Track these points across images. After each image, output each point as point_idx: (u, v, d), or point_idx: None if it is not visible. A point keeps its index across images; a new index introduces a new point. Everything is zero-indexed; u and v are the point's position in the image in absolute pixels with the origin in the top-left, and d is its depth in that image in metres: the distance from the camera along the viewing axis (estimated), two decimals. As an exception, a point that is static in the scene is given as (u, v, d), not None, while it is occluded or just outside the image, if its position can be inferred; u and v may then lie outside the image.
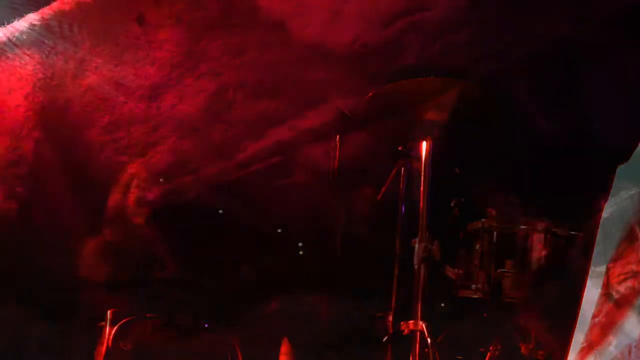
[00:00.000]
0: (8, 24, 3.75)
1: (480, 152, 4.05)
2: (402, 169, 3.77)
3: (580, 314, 2.10)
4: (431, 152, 3.45)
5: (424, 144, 3.47)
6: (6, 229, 4.38)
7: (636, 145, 2.09)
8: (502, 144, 4.07)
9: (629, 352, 1.97)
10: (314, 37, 3.83)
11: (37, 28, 3.80)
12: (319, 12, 3.74)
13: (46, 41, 3.88)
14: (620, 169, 2.12)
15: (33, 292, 4.46)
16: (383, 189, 3.91)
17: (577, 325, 2.11)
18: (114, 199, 4.65)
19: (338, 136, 4.00)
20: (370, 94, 3.58)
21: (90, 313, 4.08)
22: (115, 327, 3.62)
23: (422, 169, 3.45)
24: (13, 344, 4.39)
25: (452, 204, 3.82)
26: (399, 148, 3.74)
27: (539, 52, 3.85)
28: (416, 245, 3.36)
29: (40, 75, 4.08)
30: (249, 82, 4.13)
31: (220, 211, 4.82)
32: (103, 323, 3.67)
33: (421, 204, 3.41)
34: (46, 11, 3.75)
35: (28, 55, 3.97)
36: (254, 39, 3.92)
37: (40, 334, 4.52)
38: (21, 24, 3.77)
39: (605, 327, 2.06)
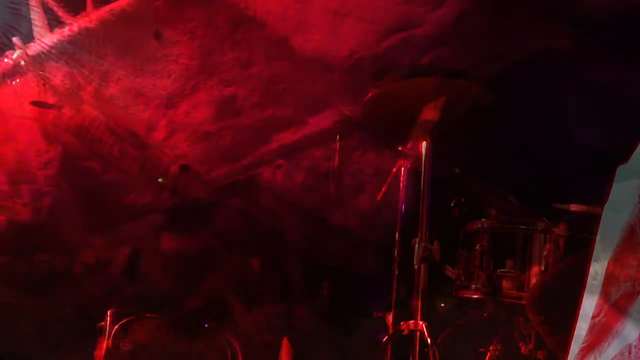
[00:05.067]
0: (39, 39, 3.96)
1: (479, 152, 4.00)
2: (402, 169, 3.69)
3: (580, 314, 1.99)
4: (431, 152, 3.35)
5: (424, 144, 3.36)
6: (37, 225, 4.65)
7: (636, 145, 1.98)
8: (502, 143, 4.02)
9: (629, 352, 1.85)
10: (315, 52, 3.96)
11: (64, 43, 4.02)
12: (319, 29, 3.87)
13: (73, 55, 4.08)
14: (620, 169, 2.00)
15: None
16: (383, 189, 3.85)
17: (577, 325, 1.99)
18: (130, 198, 4.81)
19: (338, 136, 3.98)
20: (370, 94, 3.51)
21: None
22: (115, 327, 3.57)
23: (422, 169, 3.35)
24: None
25: (452, 204, 3.75)
26: (399, 148, 3.66)
27: (531, 57, 3.85)
28: (416, 245, 3.24)
29: (68, 86, 4.28)
30: (256, 91, 4.28)
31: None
32: (103, 323, 3.62)
33: (421, 204, 3.30)
34: (73, 28, 3.98)
35: (56, 68, 4.18)
36: (260, 53, 4.07)
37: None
38: (50, 40, 3.99)
39: (605, 327, 1.95)
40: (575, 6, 3.59)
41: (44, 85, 4.24)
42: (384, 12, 3.77)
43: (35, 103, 4.33)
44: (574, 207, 3.45)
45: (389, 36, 3.82)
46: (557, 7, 3.61)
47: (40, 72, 4.19)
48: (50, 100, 4.31)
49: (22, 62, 4.11)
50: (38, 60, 4.11)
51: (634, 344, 1.85)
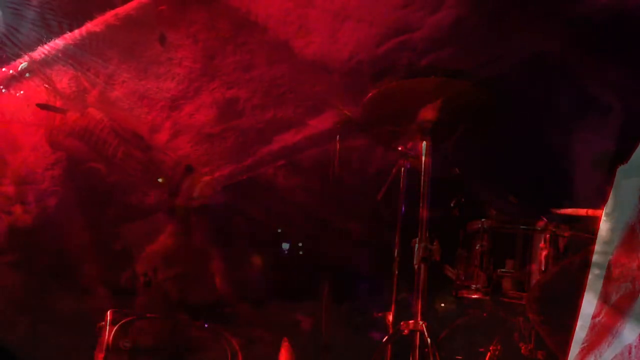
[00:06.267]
0: (46, 42, 3.96)
1: (479, 152, 3.97)
2: (402, 169, 3.65)
3: (580, 314, 1.99)
4: (431, 152, 3.33)
5: (424, 144, 3.35)
6: (42, 224, 4.68)
7: (636, 146, 1.95)
8: (502, 144, 3.99)
9: (629, 353, 1.85)
10: (315, 55, 3.97)
11: (71, 47, 4.04)
12: (319, 33, 3.88)
13: (79, 58, 4.10)
14: (620, 169, 1.99)
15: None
16: (383, 189, 3.82)
17: (577, 325, 1.99)
18: (134, 199, 4.85)
19: (339, 137, 3.97)
20: (371, 94, 3.49)
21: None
22: (115, 327, 3.54)
23: (422, 169, 3.33)
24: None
25: (452, 204, 3.72)
26: (399, 148, 3.63)
27: (531, 59, 3.81)
28: (416, 245, 3.23)
29: (74, 88, 4.33)
30: (257, 93, 4.30)
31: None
32: (103, 323, 3.58)
33: (421, 204, 3.28)
34: (79, 32, 4.00)
35: (63, 71, 4.21)
36: (261, 56, 4.10)
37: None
38: (57, 43, 4.00)
39: (605, 327, 1.94)
40: (574, 7, 3.55)
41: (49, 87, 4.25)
42: (383, 16, 3.76)
43: (41, 106, 4.33)
44: (572, 211, 3.42)
45: (387, 39, 3.81)
46: (556, 8, 3.58)
47: (46, 76, 4.19)
48: (56, 103, 4.33)
49: (28, 74, 4.17)
50: (44, 64, 4.13)
51: (634, 344, 1.84)
